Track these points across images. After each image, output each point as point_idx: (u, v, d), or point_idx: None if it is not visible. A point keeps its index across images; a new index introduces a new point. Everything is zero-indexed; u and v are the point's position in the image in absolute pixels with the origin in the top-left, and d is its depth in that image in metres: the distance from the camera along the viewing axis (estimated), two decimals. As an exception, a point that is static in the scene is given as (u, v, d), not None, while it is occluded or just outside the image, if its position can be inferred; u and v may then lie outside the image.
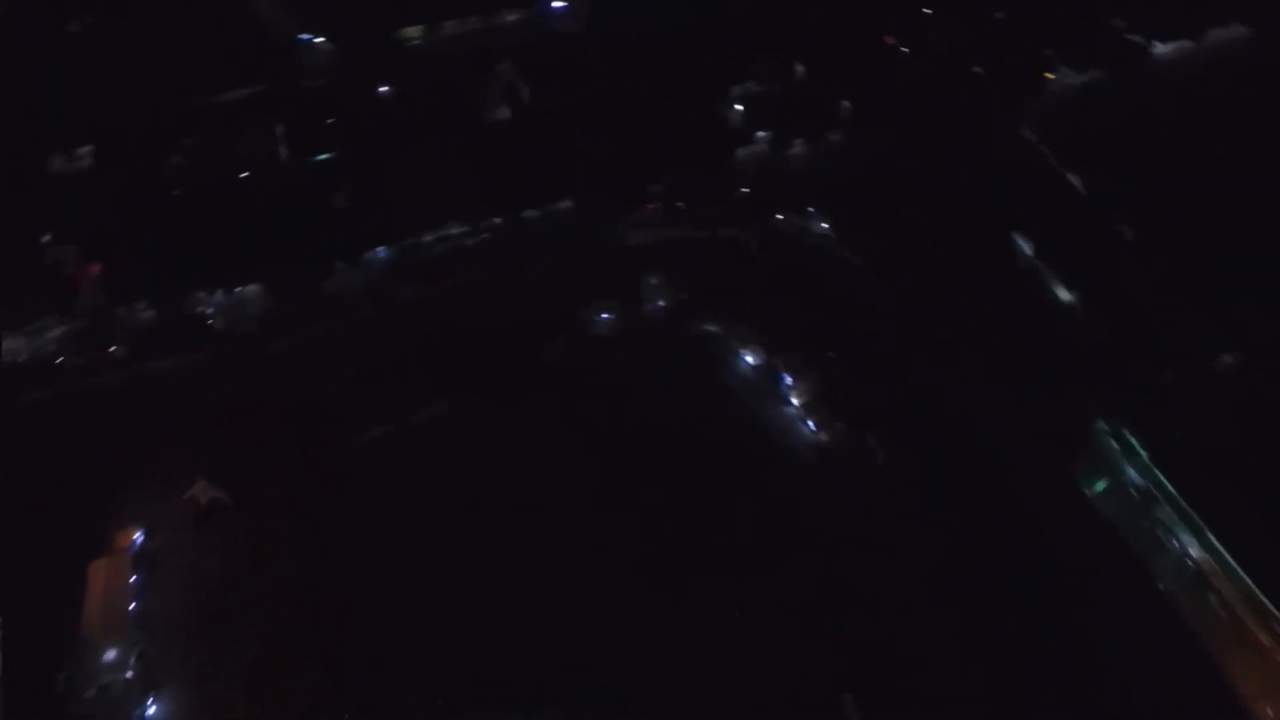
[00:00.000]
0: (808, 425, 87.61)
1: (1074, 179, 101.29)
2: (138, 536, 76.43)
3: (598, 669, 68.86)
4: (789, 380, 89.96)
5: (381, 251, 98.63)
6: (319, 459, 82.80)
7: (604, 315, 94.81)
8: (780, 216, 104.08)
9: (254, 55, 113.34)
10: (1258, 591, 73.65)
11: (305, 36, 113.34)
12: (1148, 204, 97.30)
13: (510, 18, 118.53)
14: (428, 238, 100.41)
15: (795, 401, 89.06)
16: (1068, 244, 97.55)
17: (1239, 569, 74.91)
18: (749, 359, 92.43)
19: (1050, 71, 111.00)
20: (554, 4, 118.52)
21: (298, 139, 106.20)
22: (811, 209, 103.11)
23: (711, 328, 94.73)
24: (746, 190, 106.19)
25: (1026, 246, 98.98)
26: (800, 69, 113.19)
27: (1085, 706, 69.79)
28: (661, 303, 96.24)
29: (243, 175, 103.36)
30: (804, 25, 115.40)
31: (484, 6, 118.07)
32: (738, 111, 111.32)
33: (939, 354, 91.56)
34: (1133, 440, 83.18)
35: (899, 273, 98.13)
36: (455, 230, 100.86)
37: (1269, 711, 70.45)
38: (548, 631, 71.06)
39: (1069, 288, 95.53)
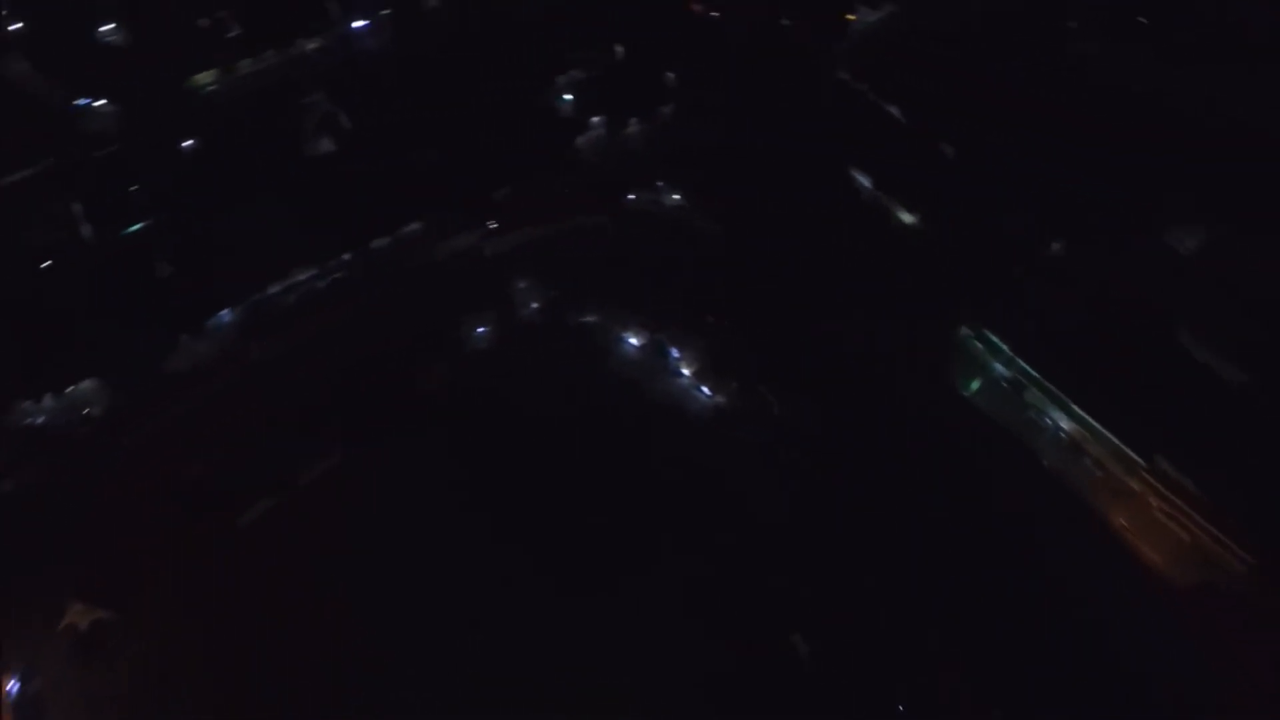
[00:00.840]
0: (703, 391, 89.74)
1: (893, 110, 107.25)
2: (12, 685, 68.13)
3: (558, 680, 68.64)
4: (675, 353, 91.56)
5: (226, 314, 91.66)
6: (207, 549, 76.47)
7: (479, 330, 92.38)
8: (632, 196, 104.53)
9: (26, 132, 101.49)
10: (1124, 447, 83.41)
11: (82, 102, 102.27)
12: (963, 123, 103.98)
13: (310, 46, 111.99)
14: (274, 289, 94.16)
15: (686, 371, 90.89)
16: (901, 171, 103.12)
17: (1105, 430, 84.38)
18: (633, 340, 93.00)
19: (851, 14, 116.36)
20: (354, 24, 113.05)
21: (99, 214, 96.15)
22: (660, 183, 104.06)
23: (590, 318, 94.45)
24: (593, 176, 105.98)
25: (865, 180, 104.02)
26: (619, 49, 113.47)
27: (995, 579, 77.23)
28: (535, 305, 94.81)
29: (45, 265, 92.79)
30: (612, 5, 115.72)
31: (279, 39, 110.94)
32: (568, 101, 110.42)
33: (808, 297, 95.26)
34: (994, 338, 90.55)
35: (755, 229, 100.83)
36: (303, 275, 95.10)
37: (1150, 551, 79.93)
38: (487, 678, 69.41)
39: (911, 211, 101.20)
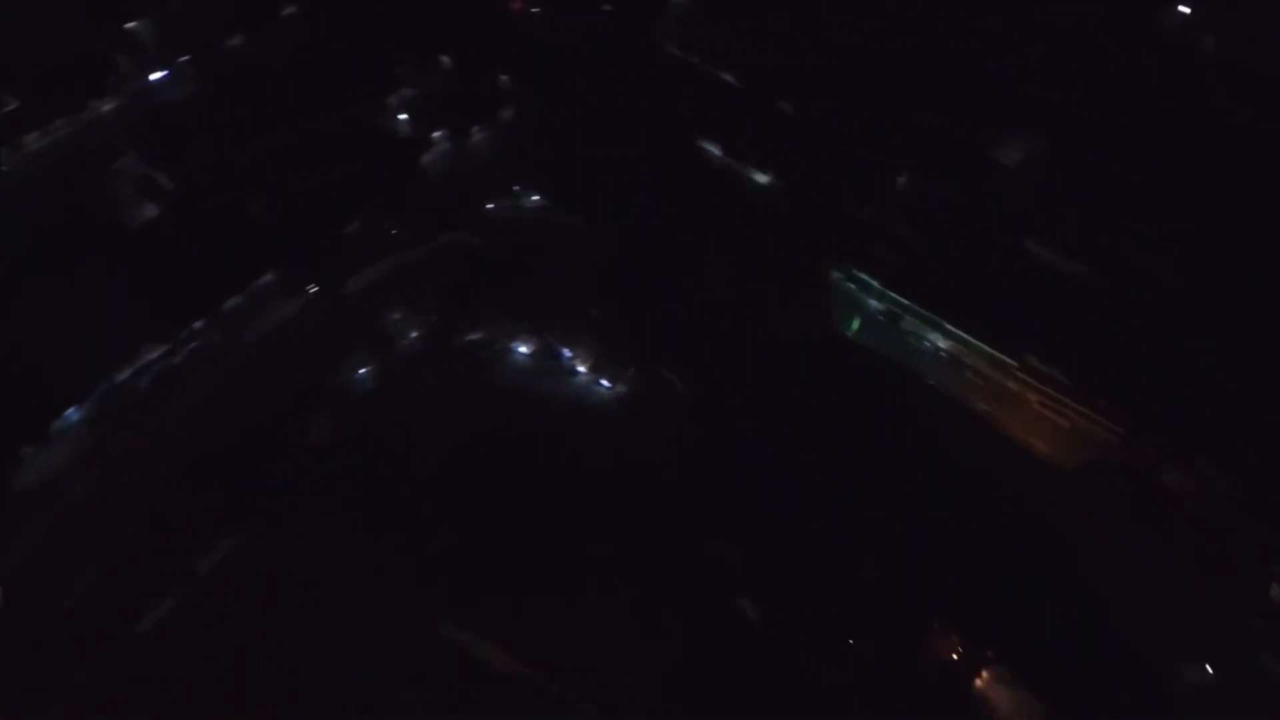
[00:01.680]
0: (603, 384, 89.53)
1: (728, 77, 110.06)
2: None
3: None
4: (567, 352, 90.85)
5: (74, 413, 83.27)
6: (108, 663, 69.42)
7: (360, 372, 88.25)
8: (490, 205, 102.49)
9: None
10: (997, 353, 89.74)
11: None
12: (796, 79, 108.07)
13: (106, 107, 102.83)
14: (124, 374, 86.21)
15: (582, 368, 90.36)
16: (745, 134, 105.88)
17: (977, 341, 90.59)
18: (522, 349, 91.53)
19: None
20: (151, 76, 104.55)
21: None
22: (516, 187, 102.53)
23: (473, 335, 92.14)
24: (446, 192, 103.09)
25: (714, 149, 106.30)
26: (445, 59, 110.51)
27: (908, 496, 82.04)
28: (414, 334, 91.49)
29: None
30: (429, 16, 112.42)
31: (67, 105, 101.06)
32: (404, 120, 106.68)
33: (682, 272, 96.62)
34: (864, 277, 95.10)
35: (616, 215, 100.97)
36: (153, 354, 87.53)
37: (1037, 441, 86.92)
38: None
39: (763, 171, 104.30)
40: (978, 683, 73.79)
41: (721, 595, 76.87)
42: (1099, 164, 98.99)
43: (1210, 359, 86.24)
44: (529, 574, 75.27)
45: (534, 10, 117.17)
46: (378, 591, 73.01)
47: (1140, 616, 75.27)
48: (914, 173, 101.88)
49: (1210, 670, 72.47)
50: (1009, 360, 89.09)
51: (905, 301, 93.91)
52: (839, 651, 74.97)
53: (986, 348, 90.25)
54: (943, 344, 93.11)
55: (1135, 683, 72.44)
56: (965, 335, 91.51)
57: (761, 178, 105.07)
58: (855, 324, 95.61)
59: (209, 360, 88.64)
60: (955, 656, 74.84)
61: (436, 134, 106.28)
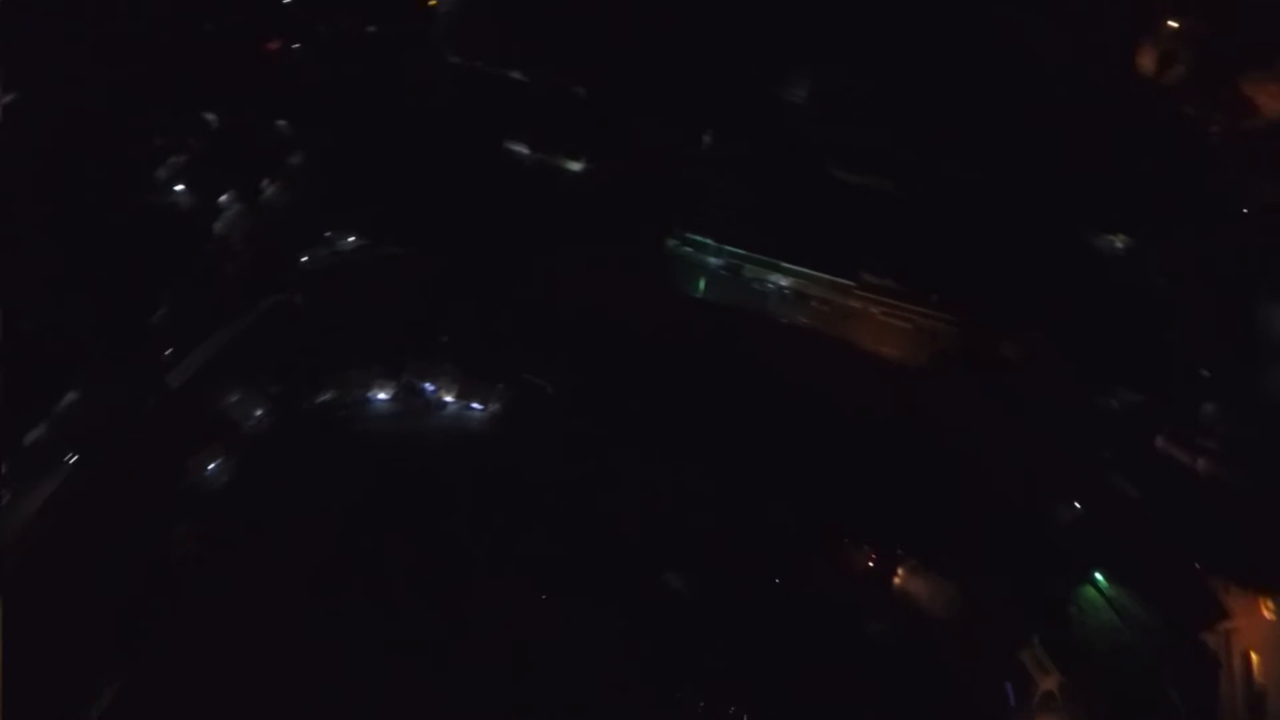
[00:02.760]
0: (474, 408, 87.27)
1: (516, 74, 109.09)
2: None
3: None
4: (429, 386, 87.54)
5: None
6: None
7: (210, 467, 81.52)
8: (304, 258, 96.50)
9: None
10: (835, 278, 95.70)
11: None
12: (583, 63, 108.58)
13: None
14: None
15: (449, 398, 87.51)
16: (548, 127, 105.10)
17: (812, 271, 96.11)
18: (381, 395, 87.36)
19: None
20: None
21: None
22: (328, 233, 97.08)
23: (325, 396, 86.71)
24: (251, 255, 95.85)
25: (522, 148, 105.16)
26: (210, 116, 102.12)
27: (787, 425, 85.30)
28: (258, 412, 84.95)
29: None
30: (182, 72, 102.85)
31: None
32: (182, 191, 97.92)
33: (519, 276, 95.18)
34: (699, 238, 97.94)
35: (438, 236, 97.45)
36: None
37: (887, 348, 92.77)
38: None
39: (572, 158, 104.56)
40: (896, 580, 78.69)
41: (646, 572, 77.41)
42: (883, 89, 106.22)
43: (1020, 242, 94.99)
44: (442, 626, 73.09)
45: (295, 47, 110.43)
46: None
47: (1010, 477, 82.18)
48: (717, 129, 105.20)
49: (1078, 505, 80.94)
50: (846, 282, 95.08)
51: (741, 251, 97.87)
52: (769, 592, 77.43)
53: (824, 275, 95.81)
54: (784, 282, 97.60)
55: (1021, 538, 79.17)
56: (803, 269, 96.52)
57: (575, 165, 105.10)
58: (701, 284, 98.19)
59: (40, 489, 78.22)
60: (871, 564, 79.36)
61: (223, 197, 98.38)
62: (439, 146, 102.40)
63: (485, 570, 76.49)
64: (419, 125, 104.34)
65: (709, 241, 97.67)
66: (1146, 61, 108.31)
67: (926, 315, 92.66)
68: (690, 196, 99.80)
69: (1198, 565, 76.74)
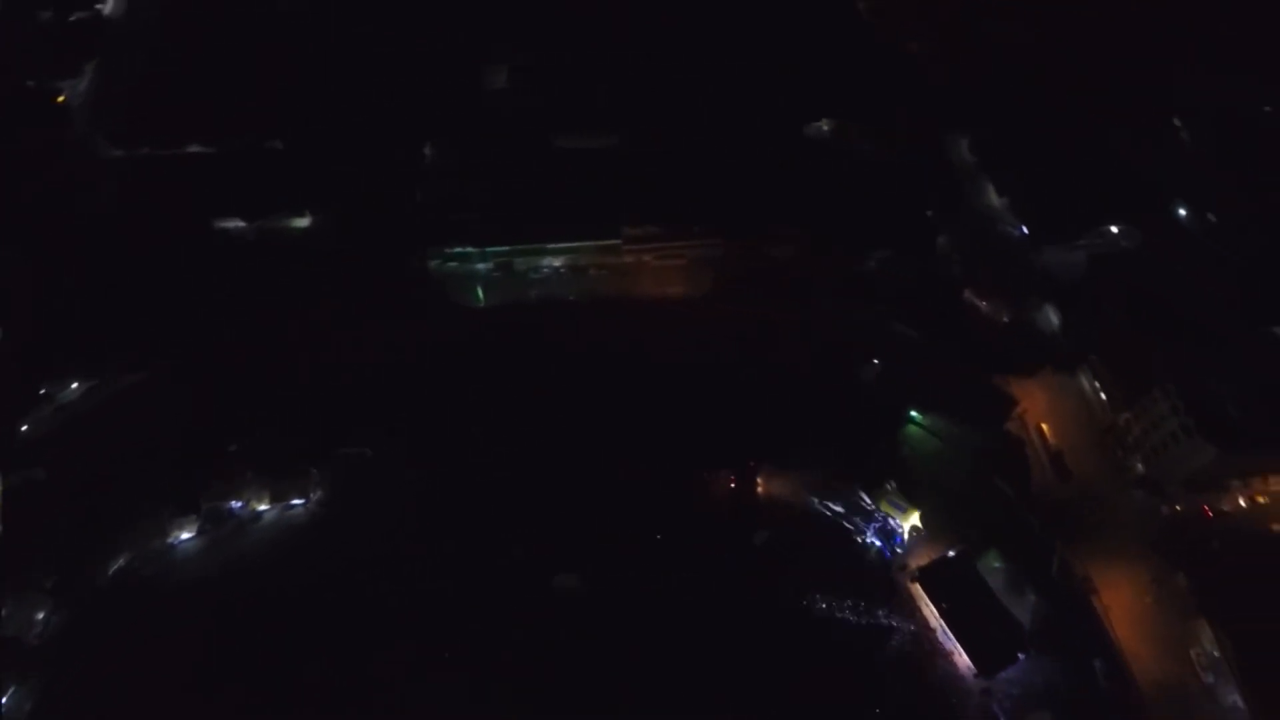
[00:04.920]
0: (295, 504, 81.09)
1: (195, 148, 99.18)
2: None
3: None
4: (237, 504, 79.59)
5: None
6: None
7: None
8: (25, 426, 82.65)
9: None
10: (599, 242, 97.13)
11: None
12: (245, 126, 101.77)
13: None
14: None
15: (265, 506, 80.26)
16: (239, 193, 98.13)
17: (577, 242, 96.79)
18: (185, 535, 77.78)
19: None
20: None
21: None
22: (43, 390, 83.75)
23: (118, 564, 75.69)
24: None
25: (237, 223, 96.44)
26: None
27: (612, 398, 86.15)
28: (39, 616, 72.72)
29: None
30: None
31: None
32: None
33: (286, 353, 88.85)
34: (456, 250, 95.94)
35: (174, 343, 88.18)
36: None
37: (676, 287, 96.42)
38: None
39: (299, 216, 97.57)
40: (760, 489, 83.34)
41: (536, 583, 76.74)
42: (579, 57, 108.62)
43: (748, 155, 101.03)
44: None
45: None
46: None
47: (814, 361, 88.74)
48: (434, 142, 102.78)
49: (877, 362, 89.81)
50: (613, 242, 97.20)
51: (505, 249, 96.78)
52: (659, 552, 79.04)
53: (590, 243, 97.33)
54: (557, 262, 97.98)
55: (842, 410, 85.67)
56: (568, 244, 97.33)
57: (302, 222, 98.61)
58: (479, 293, 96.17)
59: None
60: (734, 484, 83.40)
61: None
62: (134, 245, 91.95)
63: (385, 671, 71.66)
64: (99, 230, 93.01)
65: (470, 250, 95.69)
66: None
67: (695, 246, 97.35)
68: (430, 212, 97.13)
69: (980, 373, 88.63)
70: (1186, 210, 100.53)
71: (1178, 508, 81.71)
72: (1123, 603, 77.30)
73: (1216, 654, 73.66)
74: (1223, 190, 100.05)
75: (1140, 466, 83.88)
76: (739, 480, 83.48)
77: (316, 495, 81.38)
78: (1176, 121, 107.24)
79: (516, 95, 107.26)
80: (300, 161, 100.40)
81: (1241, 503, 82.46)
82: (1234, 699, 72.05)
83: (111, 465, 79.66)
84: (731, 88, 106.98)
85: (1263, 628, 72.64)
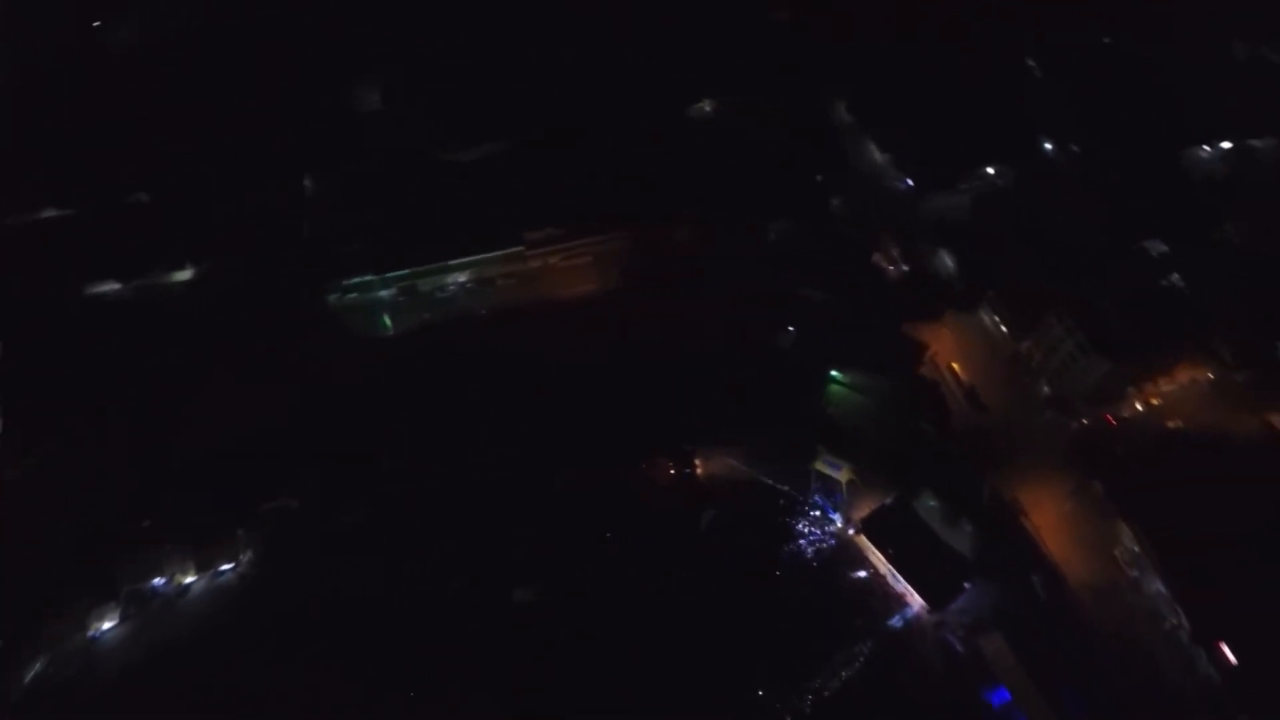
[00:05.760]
0: (228, 568, 77.71)
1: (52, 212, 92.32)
2: None
3: None
4: (161, 581, 75.59)
5: None
6: None
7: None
8: None
9: None
10: (499, 251, 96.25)
11: None
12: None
13: None
14: None
15: (189, 578, 76.58)
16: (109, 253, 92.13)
17: (479, 255, 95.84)
18: (107, 625, 73.43)
19: None
20: None
21: None
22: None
23: (35, 670, 70.64)
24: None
25: (113, 285, 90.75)
26: None
27: (547, 403, 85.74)
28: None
29: None
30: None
31: None
32: None
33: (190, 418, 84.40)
34: (351, 281, 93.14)
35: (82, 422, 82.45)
36: None
37: (587, 284, 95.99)
38: None
39: (180, 269, 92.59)
40: (699, 471, 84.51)
41: (494, 599, 75.89)
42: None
43: (636, 142, 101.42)
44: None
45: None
46: None
47: (730, 334, 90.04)
48: (311, 173, 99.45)
49: (791, 329, 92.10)
50: (515, 249, 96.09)
51: (405, 272, 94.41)
52: (604, 544, 79.50)
53: (494, 253, 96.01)
54: (462, 278, 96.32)
55: (764, 378, 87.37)
56: (470, 258, 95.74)
57: (183, 275, 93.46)
58: (386, 321, 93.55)
59: None
60: (673, 470, 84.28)
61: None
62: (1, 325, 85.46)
63: None
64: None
65: (370, 279, 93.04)
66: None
67: (598, 242, 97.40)
68: (324, 248, 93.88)
69: (889, 324, 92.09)
70: (1051, 144, 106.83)
71: (1084, 421, 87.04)
72: (1049, 519, 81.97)
73: (1136, 549, 79.24)
74: (1079, 121, 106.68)
75: (1046, 388, 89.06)
76: (677, 466, 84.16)
77: (247, 556, 77.99)
78: (1030, 62, 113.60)
79: (393, 113, 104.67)
80: (172, 212, 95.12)
81: (1139, 407, 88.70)
82: (1157, 586, 77.94)
83: (11, 566, 73.37)
84: (610, 79, 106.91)
85: (1172, 517, 78.41)
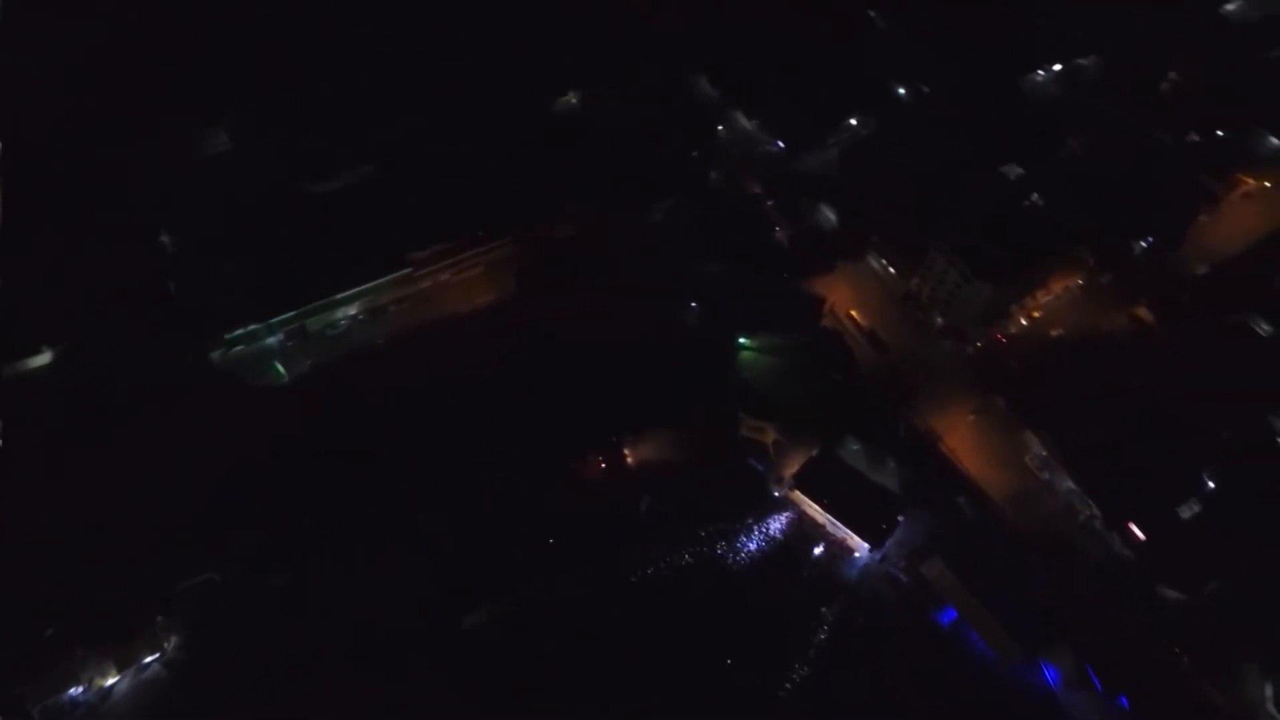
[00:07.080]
0: (164, 653, 71.88)
1: None
2: None
3: None
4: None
5: None
6: None
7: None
8: None
9: None
10: (392, 275, 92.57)
11: None
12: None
13: None
14: None
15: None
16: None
17: (367, 283, 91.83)
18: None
19: None
20: None
21: None
22: None
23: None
24: None
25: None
26: None
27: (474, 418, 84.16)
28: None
29: None
30: None
31: None
32: None
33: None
34: (240, 331, 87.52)
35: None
36: None
37: (485, 297, 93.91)
38: None
39: (34, 354, 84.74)
40: (629, 461, 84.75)
41: (446, 632, 74.46)
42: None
43: (508, 143, 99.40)
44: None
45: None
46: None
47: (643, 318, 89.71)
48: (169, 225, 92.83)
49: (694, 305, 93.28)
50: (403, 271, 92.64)
51: (290, 313, 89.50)
52: (548, 551, 79.13)
53: (381, 279, 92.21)
54: (353, 310, 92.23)
55: (679, 357, 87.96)
56: (358, 289, 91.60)
57: (41, 360, 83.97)
58: (279, 369, 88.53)
59: None
60: (604, 465, 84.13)
61: None
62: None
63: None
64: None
65: (255, 326, 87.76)
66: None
67: (486, 251, 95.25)
68: (195, 304, 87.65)
69: (786, 283, 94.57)
70: (904, 88, 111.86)
71: (978, 344, 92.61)
72: (964, 441, 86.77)
73: (1044, 453, 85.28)
74: (924, 63, 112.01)
75: (939, 319, 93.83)
76: (608, 459, 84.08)
77: (172, 643, 72.74)
78: (871, 13, 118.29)
79: (243, 152, 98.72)
80: (20, 290, 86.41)
81: (1023, 322, 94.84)
82: (1067, 484, 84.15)
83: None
84: (470, 85, 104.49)
85: (1069, 418, 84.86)
